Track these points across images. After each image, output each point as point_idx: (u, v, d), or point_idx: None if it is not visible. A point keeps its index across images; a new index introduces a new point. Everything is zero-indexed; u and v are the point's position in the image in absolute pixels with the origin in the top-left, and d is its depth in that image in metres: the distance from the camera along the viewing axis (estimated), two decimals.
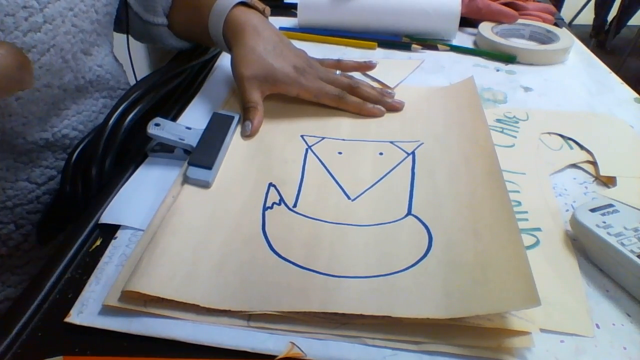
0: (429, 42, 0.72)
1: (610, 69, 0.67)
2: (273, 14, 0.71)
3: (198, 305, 0.31)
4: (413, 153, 0.46)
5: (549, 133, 0.51)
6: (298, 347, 0.30)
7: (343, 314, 0.31)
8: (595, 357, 0.30)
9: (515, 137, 0.50)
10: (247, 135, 0.48)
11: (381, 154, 0.46)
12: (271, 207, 0.39)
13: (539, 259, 0.36)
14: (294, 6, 0.79)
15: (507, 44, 0.68)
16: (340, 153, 0.46)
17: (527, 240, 0.37)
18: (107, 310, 0.31)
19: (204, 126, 0.46)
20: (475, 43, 0.74)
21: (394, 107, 0.53)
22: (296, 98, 0.52)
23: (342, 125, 0.50)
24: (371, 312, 0.30)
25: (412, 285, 0.32)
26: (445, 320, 0.30)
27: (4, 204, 0.46)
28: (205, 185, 0.41)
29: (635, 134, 0.51)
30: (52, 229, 0.49)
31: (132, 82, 0.54)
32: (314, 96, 0.51)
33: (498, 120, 0.52)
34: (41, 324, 0.31)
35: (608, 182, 0.44)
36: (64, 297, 0.33)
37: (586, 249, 0.36)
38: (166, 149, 0.46)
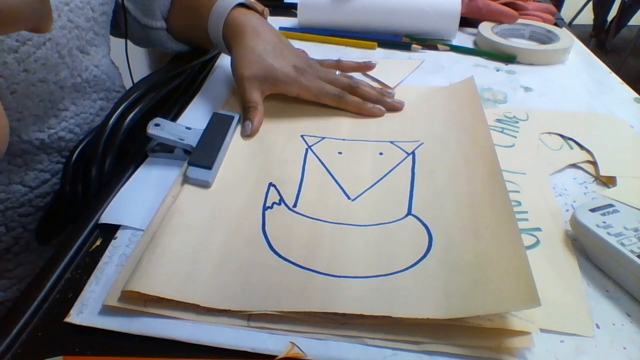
0: (429, 42, 0.72)
1: (610, 69, 0.67)
2: (273, 14, 0.71)
3: (198, 305, 0.31)
4: (413, 153, 0.46)
5: (549, 133, 0.51)
6: (298, 347, 0.30)
7: (343, 314, 0.31)
8: (595, 357, 0.30)
9: (515, 137, 0.50)
10: (247, 135, 0.48)
11: (381, 154, 0.46)
12: (271, 207, 0.39)
13: (539, 259, 0.36)
14: (294, 6, 0.79)
15: (507, 44, 0.68)
16: (340, 153, 0.46)
17: (527, 240, 0.37)
18: (107, 310, 0.31)
19: (204, 126, 0.46)
20: (475, 43, 0.74)
21: (394, 107, 0.53)
22: (296, 98, 0.52)
23: (342, 125, 0.50)
24: (371, 312, 0.30)
25: (412, 285, 0.32)
26: (445, 321, 0.30)
27: None
28: (205, 185, 0.41)
29: (635, 134, 0.51)
30: (52, 229, 0.49)
31: (129, 85, 0.54)
32: (314, 96, 0.51)
33: (498, 120, 0.52)
34: (41, 324, 0.31)
35: (608, 182, 0.44)
36: (64, 297, 0.33)
37: (586, 249, 0.36)
38: (166, 149, 0.46)
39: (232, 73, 0.52)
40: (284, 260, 0.34)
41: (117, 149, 0.46)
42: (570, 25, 2.50)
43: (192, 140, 0.44)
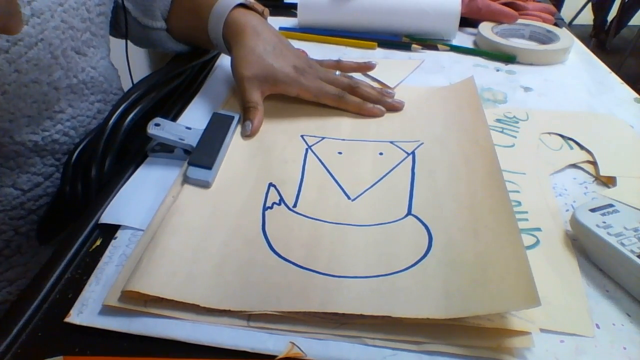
0: (429, 42, 0.72)
1: (610, 69, 0.67)
2: (273, 14, 0.71)
3: (198, 305, 0.31)
4: (413, 153, 0.46)
5: (549, 133, 0.51)
6: (298, 347, 0.30)
7: (343, 314, 0.31)
8: (595, 357, 0.30)
9: (515, 137, 0.50)
10: (247, 135, 0.48)
11: (381, 154, 0.46)
12: (271, 207, 0.39)
13: (539, 259, 0.36)
14: (294, 6, 0.79)
15: (507, 44, 0.68)
16: (340, 153, 0.46)
17: (527, 240, 0.37)
18: (107, 310, 0.31)
19: (204, 126, 0.46)
20: (475, 43, 0.74)
21: (394, 107, 0.53)
22: (296, 98, 0.52)
23: (342, 125, 0.50)
24: (371, 312, 0.30)
25: (412, 285, 0.32)
26: (445, 320, 0.30)
27: None
28: (205, 185, 0.41)
29: (635, 134, 0.51)
30: (52, 229, 0.49)
31: (129, 86, 0.54)
32: (314, 96, 0.51)
33: (498, 120, 0.52)
34: (41, 324, 0.31)
35: (608, 182, 0.44)
36: (64, 297, 0.33)
37: (586, 249, 0.36)
38: (166, 149, 0.46)
39: (232, 73, 0.52)
40: (284, 260, 0.34)
41: (117, 149, 0.46)
42: (570, 25, 2.50)
43: (192, 140, 0.44)
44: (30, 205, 0.48)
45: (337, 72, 0.56)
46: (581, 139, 0.49)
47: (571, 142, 0.49)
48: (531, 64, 0.67)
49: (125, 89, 0.56)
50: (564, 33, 0.71)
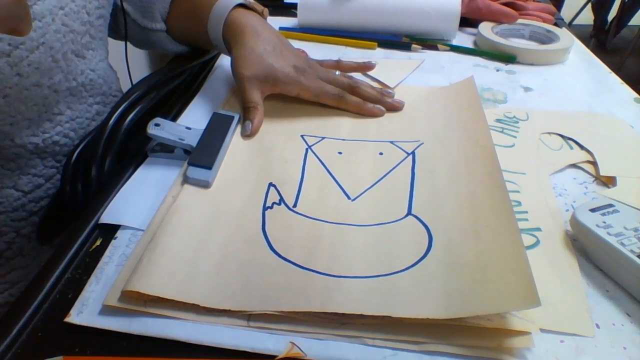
0: (429, 42, 0.72)
1: (610, 69, 0.67)
2: (273, 14, 0.71)
3: (198, 305, 0.31)
4: (413, 153, 0.46)
5: (549, 133, 0.51)
6: (298, 347, 0.30)
7: (343, 314, 0.31)
8: (595, 357, 0.30)
9: (515, 137, 0.50)
10: (247, 135, 0.48)
11: (381, 153, 0.46)
12: (271, 207, 0.39)
13: (539, 259, 0.36)
14: (294, 6, 0.79)
15: (507, 44, 0.68)
16: (340, 153, 0.46)
17: (527, 240, 0.37)
18: (107, 310, 0.31)
19: (204, 126, 0.46)
20: (475, 43, 0.74)
21: (394, 107, 0.53)
22: (296, 98, 0.52)
23: (342, 125, 0.50)
24: (371, 312, 0.30)
25: (412, 285, 0.32)
26: (445, 320, 0.30)
27: None
28: (205, 185, 0.41)
29: (635, 134, 0.51)
30: (52, 229, 0.49)
31: (129, 88, 0.54)
32: (314, 95, 0.51)
33: (498, 120, 0.52)
34: (41, 324, 0.31)
35: (608, 182, 0.44)
36: (64, 297, 0.33)
37: (586, 249, 0.36)
38: (166, 149, 0.46)
39: (232, 73, 0.52)
40: (284, 260, 0.34)
41: (117, 149, 0.46)
42: (570, 25, 2.50)
43: (192, 140, 0.44)
44: (32, 206, 0.48)
45: (337, 72, 0.56)
46: (581, 139, 0.49)
47: (571, 142, 0.49)
48: (531, 64, 0.67)
49: (125, 90, 0.56)
50: (564, 33, 0.71)
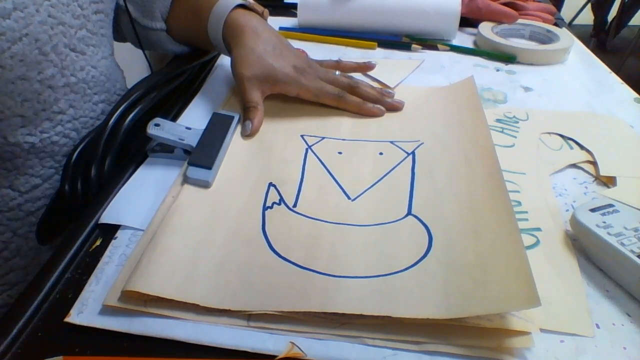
0: (429, 42, 0.72)
1: (610, 69, 0.67)
2: (273, 14, 0.71)
3: (198, 305, 0.31)
4: (413, 153, 0.46)
5: (549, 133, 0.51)
6: (298, 347, 0.30)
7: (343, 314, 0.31)
8: (595, 357, 0.30)
9: (515, 137, 0.50)
10: (247, 135, 0.48)
11: (381, 153, 0.46)
12: (271, 207, 0.39)
13: (539, 259, 0.36)
14: (294, 6, 0.79)
15: (507, 44, 0.68)
16: (340, 153, 0.46)
17: (527, 240, 0.37)
18: (107, 310, 0.31)
19: (204, 126, 0.46)
20: (475, 43, 0.74)
21: (394, 107, 0.53)
22: (296, 98, 0.52)
23: (342, 125, 0.50)
24: (371, 312, 0.30)
25: (412, 285, 0.32)
26: (445, 321, 0.30)
27: None
28: (205, 185, 0.41)
29: (635, 134, 0.51)
30: (52, 229, 0.49)
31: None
32: (314, 95, 0.51)
33: (498, 120, 0.52)
34: (41, 324, 0.31)
35: (608, 182, 0.44)
36: (64, 297, 0.33)
37: (586, 249, 0.36)
38: (166, 149, 0.46)
39: (232, 73, 0.52)
40: (284, 260, 0.34)
41: (117, 149, 0.46)
42: (570, 25, 2.49)
43: (192, 140, 0.44)
44: (29, 207, 0.47)
45: (337, 72, 0.56)
46: (581, 139, 0.49)
47: (571, 142, 0.49)
48: (531, 64, 0.67)
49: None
50: (564, 33, 0.71)
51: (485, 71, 0.65)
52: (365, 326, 0.31)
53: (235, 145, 0.47)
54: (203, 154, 0.43)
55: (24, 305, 0.32)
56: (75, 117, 0.48)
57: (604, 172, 0.44)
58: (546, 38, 0.73)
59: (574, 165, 0.46)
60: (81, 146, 0.47)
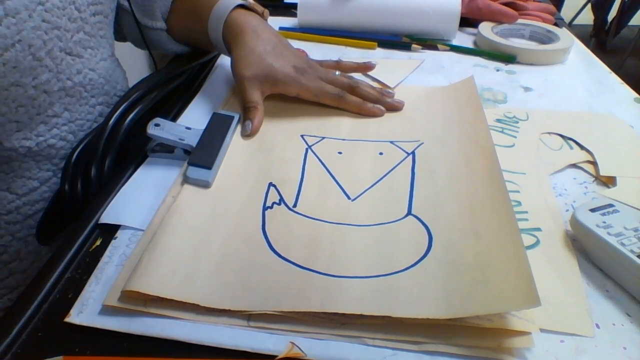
0: (429, 42, 0.72)
1: (610, 69, 0.67)
2: (273, 14, 0.71)
3: (198, 305, 0.31)
4: (413, 153, 0.46)
5: (549, 133, 0.51)
6: (298, 347, 0.30)
7: (343, 314, 0.31)
8: (595, 357, 0.30)
9: (515, 137, 0.50)
10: (247, 134, 0.48)
11: (381, 153, 0.46)
12: (271, 207, 0.39)
13: (539, 259, 0.36)
14: (294, 6, 0.79)
15: (507, 44, 0.68)
16: (340, 153, 0.46)
17: (527, 240, 0.37)
18: (107, 310, 0.31)
19: (204, 126, 0.46)
20: (475, 43, 0.74)
21: (394, 107, 0.53)
22: (296, 98, 0.52)
23: (342, 125, 0.50)
24: (371, 312, 0.30)
25: (412, 285, 0.32)
26: (445, 321, 0.30)
27: None
28: (205, 185, 0.41)
29: (635, 134, 0.51)
30: (52, 229, 0.49)
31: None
32: (314, 95, 0.51)
33: (498, 120, 0.52)
34: (41, 324, 0.31)
35: (608, 182, 0.44)
36: (64, 297, 0.33)
37: (586, 249, 0.36)
38: (166, 149, 0.46)
39: (232, 73, 0.52)
40: (284, 260, 0.34)
41: (117, 149, 0.46)
42: (570, 25, 2.49)
43: (192, 140, 0.44)
44: (27, 210, 0.47)
45: (337, 72, 0.56)
46: (581, 139, 0.49)
47: (571, 142, 0.49)
48: (531, 64, 0.67)
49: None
50: (564, 33, 0.71)
51: (485, 71, 0.65)
52: (365, 326, 0.31)
53: (235, 145, 0.47)
54: (203, 154, 0.43)
55: (24, 305, 0.32)
56: (71, 120, 0.48)
57: (604, 172, 0.44)
58: (546, 38, 0.73)
59: (574, 165, 0.46)
60: (81, 146, 0.47)
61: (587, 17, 2.90)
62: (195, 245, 0.35)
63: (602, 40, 2.89)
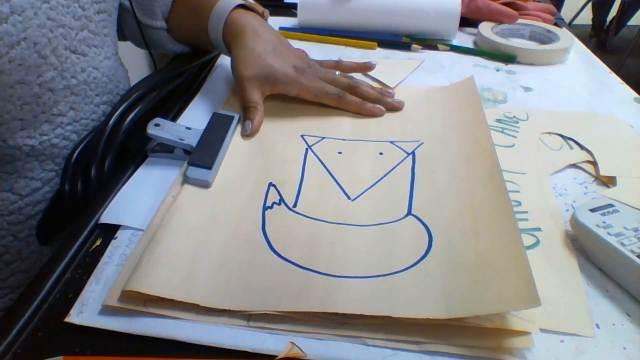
0: (429, 42, 0.72)
1: (610, 69, 0.67)
2: (273, 14, 0.71)
3: (198, 305, 0.31)
4: (413, 153, 0.46)
5: (549, 133, 0.51)
6: (298, 347, 0.30)
7: (343, 314, 0.31)
8: (595, 357, 0.30)
9: (515, 137, 0.50)
10: (247, 135, 0.48)
11: (381, 153, 0.46)
12: (271, 207, 0.39)
13: (539, 259, 0.36)
14: (294, 6, 0.79)
15: (507, 44, 0.68)
16: (340, 153, 0.46)
17: (527, 240, 0.37)
18: (107, 310, 0.31)
19: (204, 126, 0.46)
20: (475, 43, 0.74)
21: (394, 107, 0.53)
22: (296, 98, 0.52)
23: (342, 125, 0.50)
24: (371, 312, 0.30)
25: (412, 285, 0.32)
26: (445, 321, 0.30)
27: None
28: (205, 185, 0.41)
29: (635, 134, 0.51)
30: (52, 229, 0.49)
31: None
32: (314, 95, 0.51)
33: (498, 120, 0.52)
34: (41, 324, 0.31)
35: (608, 182, 0.44)
36: (64, 297, 0.33)
37: (586, 249, 0.36)
38: (166, 149, 0.46)
39: (232, 73, 0.52)
40: (284, 260, 0.34)
41: (117, 149, 0.46)
42: (570, 25, 2.49)
43: (192, 140, 0.44)
44: (29, 210, 0.47)
45: (337, 72, 0.56)
46: (581, 139, 0.49)
47: (571, 142, 0.49)
48: (531, 64, 0.67)
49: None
50: (564, 33, 0.71)
51: (485, 71, 0.65)
52: (365, 326, 0.31)
53: (235, 145, 0.47)
54: (203, 154, 0.43)
55: (24, 305, 0.32)
56: (75, 119, 0.48)
57: (604, 172, 0.44)
58: (546, 38, 0.73)
59: (574, 165, 0.46)
60: (81, 146, 0.47)
61: (587, 17, 2.90)
62: (195, 245, 0.35)
63: (602, 40, 2.89)
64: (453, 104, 0.52)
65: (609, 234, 0.34)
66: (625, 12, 2.73)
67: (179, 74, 0.56)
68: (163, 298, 0.31)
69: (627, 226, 0.35)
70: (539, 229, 0.38)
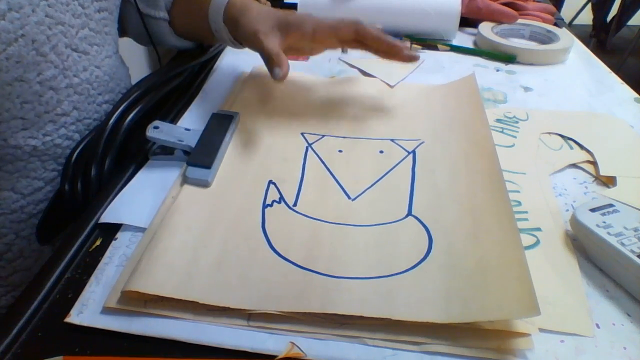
0: (429, 42, 0.72)
1: (610, 68, 0.67)
2: None
3: (198, 305, 0.31)
4: (413, 152, 0.45)
5: (549, 133, 0.51)
6: (298, 347, 0.30)
7: (343, 315, 0.31)
8: (595, 357, 0.30)
9: (515, 137, 0.50)
10: (279, 78, 0.45)
11: (381, 152, 0.46)
12: (271, 205, 0.39)
13: (539, 259, 0.36)
14: (294, 6, 0.78)
15: (507, 44, 0.68)
16: (340, 151, 0.46)
17: (527, 240, 0.37)
18: (107, 310, 0.31)
19: (203, 127, 0.46)
20: (475, 43, 0.74)
21: (411, 58, 0.49)
22: (296, 96, 0.51)
23: (343, 123, 0.50)
24: (371, 314, 0.30)
25: (412, 287, 0.32)
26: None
27: None
28: (205, 184, 0.41)
29: (635, 134, 0.51)
30: (52, 229, 0.49)
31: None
32: (330, 28, 0.49)
33: (498, 120, 0.52)
34: (41, 324, 0.31)
35: (608, 182, 0.44)
36: (64, 297, 0.33)
37: (586, 249, 0.36)
38: (166, 152, 0.46)
39: (244, 40, 0.50)
40: (284, 259, 0.34)
41: (117, 149, 0.45)
42: (570, 25, 2.49)
43: (191, 140, 0.44)
44: (31, 209, 0.47)
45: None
46: (581, 139, 0.49)
47: (571, 142, 0.49)
48: (531, 64, 0.67)
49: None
50: (564, 33, 0.71)
51: (485, 71, 0.65)
52: (366, 326, 0.31)
53: (234, 143, 0.47)
54: (202, 154, 0.43)
55: (24, 305, 0.32)
56: (79, 119, 0.48)
57: (604, 172, 0.44)
58: (546, 38, 0.73)
59: (574, 165, 0.46)
60: (81, 146, 0.47)
61: (587, 17, 2.90)
62: (194, 243, 0.35)
63: (602, 40, 2.89)
64: (454, 102, 0.52)
65: (609, 233, 0.34)
66: (625, 12, 2.73)
67: (178, 73, 0.56)
68: (163, 298, 0.31)
69: (627, 226, 0.35)
70: (539, 229, 0.38)
